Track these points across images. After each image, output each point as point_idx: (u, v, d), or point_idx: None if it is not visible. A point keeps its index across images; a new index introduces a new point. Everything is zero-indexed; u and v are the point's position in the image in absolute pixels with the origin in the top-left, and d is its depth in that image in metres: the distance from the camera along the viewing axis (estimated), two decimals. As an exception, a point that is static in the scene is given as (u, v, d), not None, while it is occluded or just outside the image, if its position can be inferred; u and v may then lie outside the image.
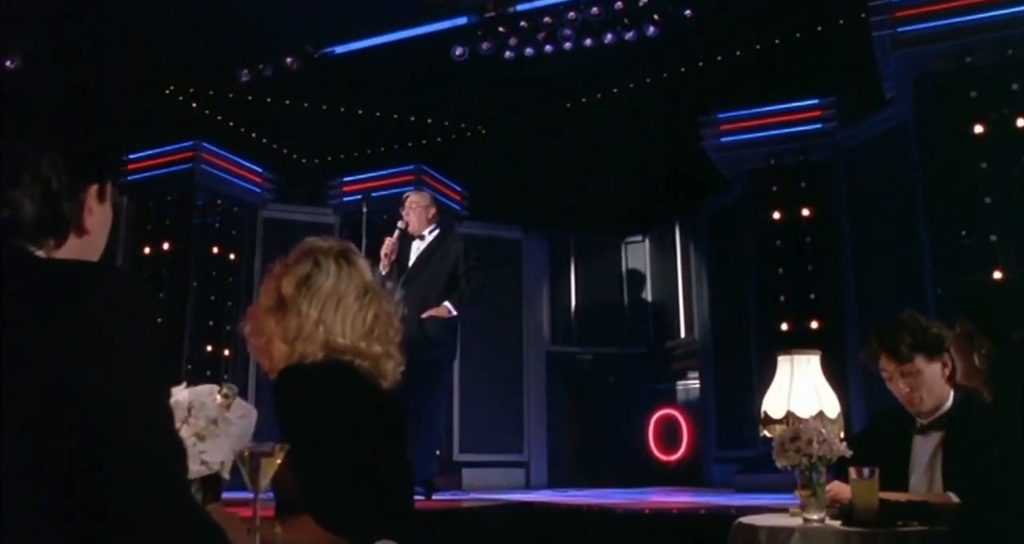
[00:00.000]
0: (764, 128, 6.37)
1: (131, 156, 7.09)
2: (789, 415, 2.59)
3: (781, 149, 6.34)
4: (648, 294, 8.46)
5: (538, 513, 4.36)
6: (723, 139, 6.47)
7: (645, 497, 5.62)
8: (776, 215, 6.33)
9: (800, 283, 6.19)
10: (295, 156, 8.24)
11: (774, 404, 2.67)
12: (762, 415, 2.72)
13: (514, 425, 7.77)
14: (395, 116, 8.02)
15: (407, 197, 5.60)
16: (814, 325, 6.05)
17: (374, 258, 6.93)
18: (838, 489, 2.54)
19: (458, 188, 7.80)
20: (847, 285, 6.10)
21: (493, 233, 7.84)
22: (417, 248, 5.48)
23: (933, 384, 2.56)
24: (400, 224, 5.43)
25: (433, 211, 5.54)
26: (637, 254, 8.58)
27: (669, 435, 8.07)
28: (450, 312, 5.19)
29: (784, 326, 6.14)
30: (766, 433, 2.70)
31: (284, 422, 1.79)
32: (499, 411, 7.64)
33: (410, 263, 5.45)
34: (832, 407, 2.63)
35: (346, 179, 7.56)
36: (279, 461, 1.62)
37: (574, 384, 8.28)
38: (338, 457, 1.72)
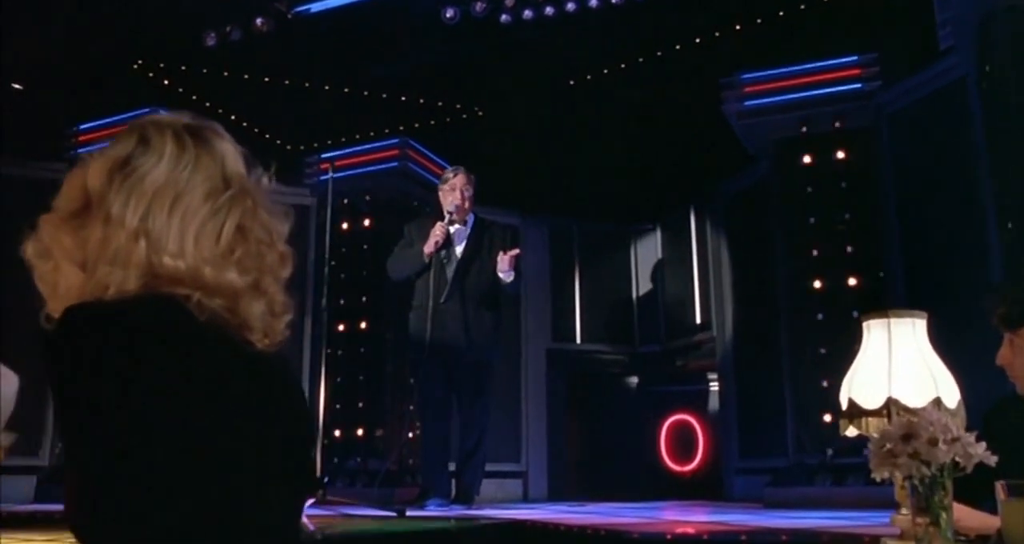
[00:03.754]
0: (794, 90, 5.53)
1: (82, 126, 6.37)
2: (891, 404, 1.78)
3: (814, 114, 5.53)
4: (660, 286, 7.72)
5: (539, 536, 3.59)
6: (747, 103, 5.65)
7: (659, 514, 4.83)
8: (808, 190, 5.54)
9: (839, 267, 5.37)
10: (266, 131, 7.46)
11: (866, 389, 1.85)
12: (845, 404, 1.92)
13: (511, 431, 7.05)
14: (379, 87, 7.25)
15: (455, 176, 5.09)
16: (855, 315, 5.23)
17: (346, 243, 6.39)
18: (960, 513, 1.78)
19: (448, 167, 7.03)
20: (894, 269, 5.32)
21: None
22: (461, 236, 5.04)
23: None
24: (449, 207, 4.95)
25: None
26: (648, 243, 7.86)
27: (683, 443, 7.32)
28: (511, 264, 4.82)
29: (820, 316, 5.34)
30: (851, 430, 1.90)
31: (56, 395, 1.01)
32: (494, 415, 6.89)
33: (458, 252, 4.99)
34: (950, 393, 1.83)
35: (324, 156, 6.81)
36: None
37: (577, 386, 7.56)
38: (139, 452, 0.93)
